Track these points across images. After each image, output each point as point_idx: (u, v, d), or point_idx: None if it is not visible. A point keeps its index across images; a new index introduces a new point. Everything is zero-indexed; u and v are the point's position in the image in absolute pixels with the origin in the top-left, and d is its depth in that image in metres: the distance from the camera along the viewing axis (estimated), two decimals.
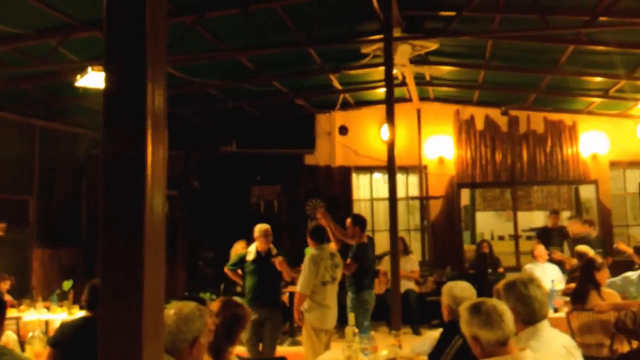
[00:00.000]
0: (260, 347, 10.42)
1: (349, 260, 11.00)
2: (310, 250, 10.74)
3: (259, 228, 10.72)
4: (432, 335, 7.14)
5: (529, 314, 4.67)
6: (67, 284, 11.01)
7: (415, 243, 17.87)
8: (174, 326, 4.01)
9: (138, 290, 2.11)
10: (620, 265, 12.99)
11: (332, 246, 10.38)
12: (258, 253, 10.65)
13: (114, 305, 2.16)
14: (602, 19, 10.24)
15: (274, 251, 10.79)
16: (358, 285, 10.92)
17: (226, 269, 11.30)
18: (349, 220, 11.47)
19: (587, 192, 17.88)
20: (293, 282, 12.12)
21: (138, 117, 2.18)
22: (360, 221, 11.29)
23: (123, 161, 2.19)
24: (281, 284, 11.10)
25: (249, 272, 10.69)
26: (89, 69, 10.64)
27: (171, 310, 4.09)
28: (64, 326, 6.49)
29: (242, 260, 10.89)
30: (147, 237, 2.15)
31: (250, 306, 10.58)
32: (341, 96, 16.57)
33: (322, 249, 9.88)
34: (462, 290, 6.06)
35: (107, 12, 2.25)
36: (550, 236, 14.69)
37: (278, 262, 10.48)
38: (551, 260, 13.11)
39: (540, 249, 13.34)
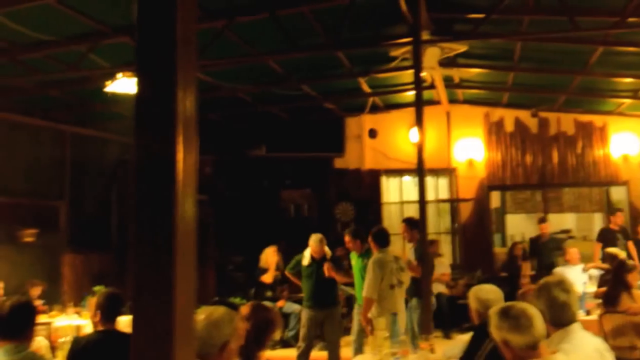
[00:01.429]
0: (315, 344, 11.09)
1: (415, 262, 11.04)
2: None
3: (313, 237, 10.95)
4: (463, 339, 7.11)
5: (556, 317, 4.65)
6: (98, 290, 11.06)
7: (445, 246, 17.81)
8: (204, 331, 4.01)
9: (170, 296, 2.11)
10: None
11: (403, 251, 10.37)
12: (313, 258, 10.88)
13: (146, 311, 2.15)
14: (631, 19, 10.18)
15: (329, 254, 10.98)
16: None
17: (287, 272, 11.80)
18: (404, 226, 11.52)
19: (618, 194, 17.74)
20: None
21: (169, 123, 2.18)
22: (415, 224, 11.20)
23: (154, 166, 2.19)
24: (337, 286, 11.20)
25: (305, 276, 11.13)
26: (119, 74, 10.70)
27: (201, 315, 4.09)
28: (79, 342, 6.40)
29: (298, 263, 11.18)
30: (178, 243, 2.15)
31: (308, 307, 10.86)
32: (370, 99, 16.55)
33: (385, 252, 9.84)
34: (487, 293, 6.05)
35: (138, 18, 2.26)
36: (614, 237, 14.28)
37: (326, 268, 10.65)
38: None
39: (573, 251, 13.24)
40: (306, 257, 11.05)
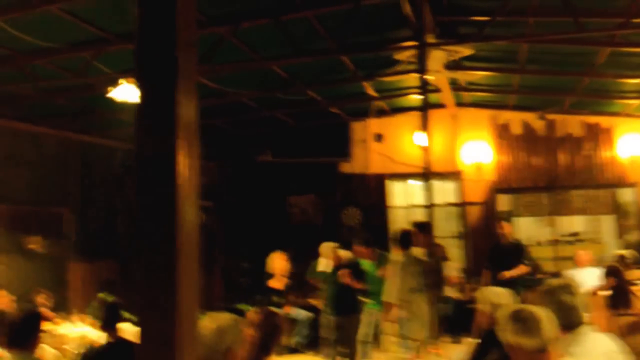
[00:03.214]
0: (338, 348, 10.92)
1: None
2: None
3: (324, 247, 10.94)
4: (472, 344, 7.07)
5: (563, 320, 4.61)
6: (101, 297, 11.03)
7: (453, 250, 17.75)
8: (208, 337, 3.99)
9: (172, 303, 2.13)
10: None
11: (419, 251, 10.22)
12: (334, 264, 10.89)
13: (149, 316, 2.17)
14: (636, 20, 10.13)
15: (345, 259, 10.96)
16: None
17: (308, 278, 12.12)
18: (414, 230, 11.40)
19: (626, 196, 17.66)
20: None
21: (170, 129, 2.21)
22: (425, 228, 10.93)
23: (155, 172, 2.21)
24: (357, 293, 11.12)
25: (323, 281, 11.22)
26: (121, 80, 10.69)
27: (206, 321, 4.08)
28: (90, 353, 6.40)
29: (314, 269, 11.21)
30: (180, 248, 2.16)
31: (326, 312, 10.89)
32: (376, 103, 16.52)
33: (408, 255, 9.78)
34: (498, 296, 5.99)
35: (138, 25, 2.27)
36: None
37: (341, 275, 10.61)
38: None
39: (582, 254, 13.13)
40: (322, 263, 11.03)
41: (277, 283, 13.62)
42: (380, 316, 10.64)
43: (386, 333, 8.24)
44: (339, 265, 10.84)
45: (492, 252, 13.54)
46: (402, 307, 9.52)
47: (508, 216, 18.24)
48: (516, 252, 13.11)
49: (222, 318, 4.16)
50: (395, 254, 10.10)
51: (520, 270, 12.73)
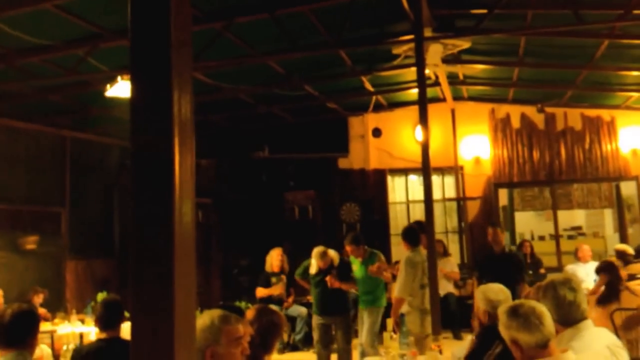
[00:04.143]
0: (332, 347, 10.96)
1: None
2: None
3: (315, 252, 10.86)
4: (471, 340, 7.01)
5: (564, 316, 4.64)
6: (101, 296, 10.97)
7: (453, 245, 17.71)
8: None
9: (169, 300, 2.13)
10: None
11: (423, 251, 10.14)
12: (319, 268, 10.79)
13: (145, 316, 2.16)
14: (636, 12, 10.06)
15: (337, 261, 10.87)
16: None
17: (296, 277, 11.74)
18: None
19: (628, 189, 17.60)
20: None
21: (165, 125, 2.21)
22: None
23: (151, 169, 2.22)
24: (346, 294, 11.03)
25: (314, 284, 11.06)
26: (119, 78, 10.62)
27: None
28: (81, 350, 6.35)
29: (306, 270, 11.14)
30: (177, 245, 2.16)
31: (316, 314, 10.83)
32: (373, 98, 16.46)
33: (417, 251, 9.77)
34: (496, 293, 5.99)
35: (131, 20, 2.28)
36: None
37: (328, 280, 10.56)
38: None
39: (584, 249, 13.05)
40: (313, 266, 10.96)
41: (276, 290, 13.59)
42: (375, 316, 10.59)
43: (388, 331, 8.16)
44: (326, 268, 10.77)
45: (485, 263, 11.82)
46: (409, 303, 9.50)
47: (510, 211, 18.22)
48: (515, 263, 11.43)
49: (201, 317, 4.10)
50: (404, 251, 10.04)
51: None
